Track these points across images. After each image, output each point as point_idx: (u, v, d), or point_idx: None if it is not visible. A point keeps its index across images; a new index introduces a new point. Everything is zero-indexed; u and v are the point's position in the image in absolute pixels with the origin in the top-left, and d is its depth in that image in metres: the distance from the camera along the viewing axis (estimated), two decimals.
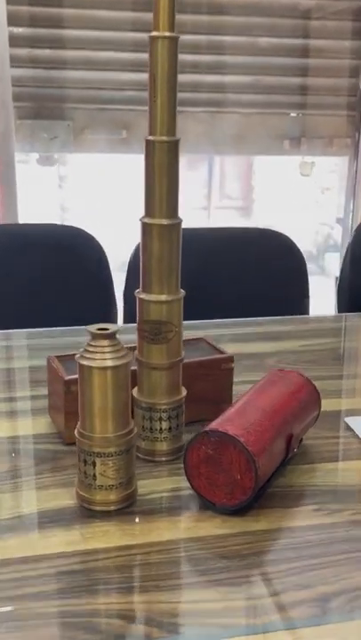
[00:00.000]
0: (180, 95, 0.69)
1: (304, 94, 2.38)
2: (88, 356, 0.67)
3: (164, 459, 0.79)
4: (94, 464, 0.68)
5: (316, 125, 2.44)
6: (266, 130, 2.42)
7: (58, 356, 0.88)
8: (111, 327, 0.68)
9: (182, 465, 0.74)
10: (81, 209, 3.12)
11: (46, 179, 2.94)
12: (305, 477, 0.76)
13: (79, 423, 0.69)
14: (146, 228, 0.73)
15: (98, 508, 0.69)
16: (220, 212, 3.91)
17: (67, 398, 0.82)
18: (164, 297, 0.75)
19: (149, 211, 0.73)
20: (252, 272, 1.63)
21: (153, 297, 0.75)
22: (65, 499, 0.72)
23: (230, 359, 0.89)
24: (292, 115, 2.44)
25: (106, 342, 0.67)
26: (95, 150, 2.32)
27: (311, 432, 0.83)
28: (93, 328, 0.68)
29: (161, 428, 0.78)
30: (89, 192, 2.99)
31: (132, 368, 0.77)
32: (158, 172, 0.71)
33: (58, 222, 2.32)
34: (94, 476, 0.69)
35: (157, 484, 0.75)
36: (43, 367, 0.90)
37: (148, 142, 0.71)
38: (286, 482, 0.75)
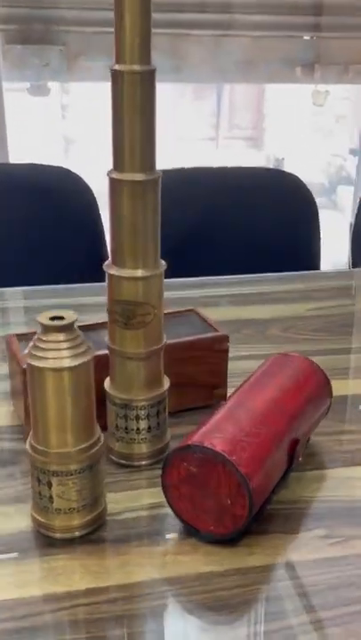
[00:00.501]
0: (181, 16, 0.54)
1: (319, 15, 2.15)
2: (39, 353, 0.53)
3: (143, 462, 0.66)
4: (50, 484, 0.55)
5: (332, 50, 2.22)
6: (276, 55, 2.20)
7: (18, 335, 0.74)
8: (67, 316, 0.53)
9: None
10: (77, 144, 2.93)
11: (39, 110, 2.74)
12: (312, 488, 0.63)
13: (31, 433, 0.56)
14: (114, 186, 0.58)
15: (58, 536, 0.57)
16: (229, 142, 3.69)
17: (25, 389, 0.68)
18: (139, 272, 0.60)
19: (118, 164, 0.57)
20: (258, 219, 1.47)
21: (126, 272, 0.60)
22: (19, 519, 0.59)
23: (225, 338, 0.75)
24: (306, 38, 2.21)
25: (61, 336, 0.53)
26: (91, 79, 2.11)
27: (319, 425, 0.70)
28: (45, 317, 0.53)
29: (138, 429, 0.65)
30: (86, 125, 2.80)
31: (103, 353, 0.64)
32: (129, 112, 0.55)
33: (54, 158, 2.14)
34: (51, 498, 0.56)
35: (133, 498, 0.62)
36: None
37: (114, 73, 0.55)
38: (289, 495, 0.62)
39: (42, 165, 1.55)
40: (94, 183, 1.46)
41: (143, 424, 0.65)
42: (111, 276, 0.61)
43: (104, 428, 0.65)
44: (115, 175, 0.57)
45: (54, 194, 1.48)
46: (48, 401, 0.53)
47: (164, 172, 0.58)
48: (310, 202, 1.52)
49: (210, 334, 0.75)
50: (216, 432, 0.55)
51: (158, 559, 0.55)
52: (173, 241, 0.77)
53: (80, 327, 0.75)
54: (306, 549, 0.56)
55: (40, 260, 1.44)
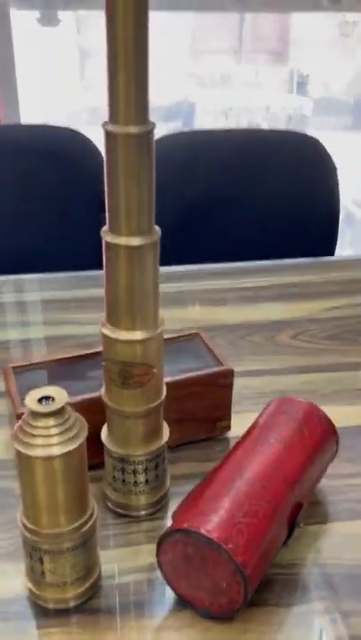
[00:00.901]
0: None
1: None
2: (27, 439, 0.50)
3: (141, 513, 0.65)
4: (41, 561, 0.54)
5: None
6: None
7: (15, 367, 0.71)
8: (58, 397, 0.50)
9: (163, 522, 0.60)
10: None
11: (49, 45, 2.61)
12: (313, 548, 0.62)
13: (21, 508, 0.54)
14: (110, 249, 0.53)
15: (50, 606, 0.56)
16: (253, 56, 3.51)
17: None
18: (137, 335, 0.56)
19: (113, 227, 0.52)
20: (273, 188, 1.40)
21: (122, 335, 0.56)
22: (13, 579, 0.58)
23: (229, 373, 0.71)
24: None
25: (51, 421, 0.50)
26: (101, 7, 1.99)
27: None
28: (33, 400, 0.50)
29: (136, 482, 0.63)
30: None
31: (96, 395, 0.61)
32: (124, 176, 0.50)
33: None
34: (43, 573, 0.55)
35: (130, 557, 0.61)
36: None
37: (108, 134, 0.49)
38: (288, 556, 0.60)
39: (50, 127, 1.48)
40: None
41: (141, 477, 0.63)
42: (105, 335, 0.57)
43: (100, 465, 0.64)
44: (109, 238, 0.53)
45: (62, 157, 1.41)
46: (38, 486, 0.51)
47: (166, 136, 0.54)
48: (331, 169, 1.44)
49: (213, 369, 0.71)
50: (212, 513, 0.53)
51: (152, 633, 0.54)
52: (172, 214, 0.71)
53: (79, 357, 0.73)
54: (302, 627, 0.55)
55: (46, 224, 1.39)
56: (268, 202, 1.41)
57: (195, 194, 1.37)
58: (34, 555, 0.54)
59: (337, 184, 1.45)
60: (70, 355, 0.73)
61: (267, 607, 0.56)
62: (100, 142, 1.38)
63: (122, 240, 0.52)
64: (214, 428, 0.74)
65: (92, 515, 0.54)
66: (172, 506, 0.66)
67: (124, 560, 0.61)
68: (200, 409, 0.72)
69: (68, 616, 0.56)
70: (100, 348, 0.70)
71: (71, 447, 0.50)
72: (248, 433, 0.63)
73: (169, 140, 1.41)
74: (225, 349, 0.89)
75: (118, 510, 0.65)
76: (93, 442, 0.58)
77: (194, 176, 1.37)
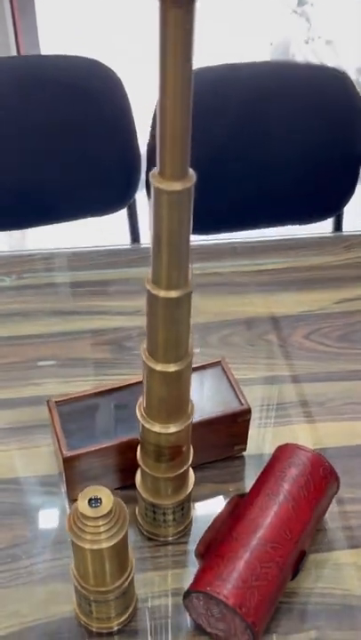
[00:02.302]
0: None
1: None
2: (78, 532, 0.60)
3: (169, 539, 0.77)
4: (90, 605, 0.67)
5: None
6: None
7: (59, 402, 0.80)
8: (105, 499, 0.60)
9: (187, 546, 0.73)
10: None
11: None
12: (312, 579, 0.74)
13: (74, 566, 0.66)
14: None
15: (96, 630, 0.70)
16: None
17: (67, 474, 0.76)
18: (172, 429, 0.64)
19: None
20: (289, 134, 1.38)
21: (157, 428, 0.64)
22: (63, 602, 0.72)
23: (247, 412, 0.80)
24: None
25: (100, 521, 0.60)
26: None
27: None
28: (83, 502, 0.60)
29: (165, 520, 0.74)
30: None
31: (134, 437, 0.71)
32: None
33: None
34: (90, 611, 0.68)
35: (159, 582, 0.74)
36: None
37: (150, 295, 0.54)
38: (290, 584, 0.73)
39: (69, 57, 1.44)
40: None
41: (169, 517, 0.74)
42: (143, 425, 0.65)
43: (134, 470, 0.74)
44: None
45: (82, 88, 1.39)
46: (87, 564, 0.62)
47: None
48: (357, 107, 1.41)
49: (232, 409, 0.80)
50: (229, 578, 0.65)
51: None
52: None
53: (118, 388, 0.81)
54: None
55: (66, 158, 1.40)
56: (289, 141, 1.40)
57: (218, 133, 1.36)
58: (83, 600, 0.67)
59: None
60: (105, 388, 0.81)
61: (269, 635, 0.70)
62: (121, 73, 1.36)
63: (158, 367, 0.59)
64: (232, 449, 0.84)
65: (130, 571, 0.66)
66: (195, 529, 0.78)
67: (156, 584, 0.74)
68: (221, 439, 0.82)
69: (110, 638, 0.69)
70: (136, 378, 0.79)
71: (116, 540, 0.60)
72: (260, 484, 0.73)
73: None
74: (240, 350, 0.97)
75: (150, 536, 0.77)
76: (131, 469, 0.69)
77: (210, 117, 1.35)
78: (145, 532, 0.77)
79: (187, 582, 0.73)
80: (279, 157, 1.41)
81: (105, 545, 0.60)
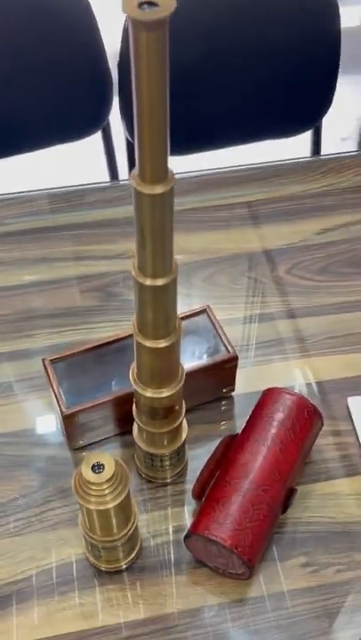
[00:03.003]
0: None
1: None
2: (84, 495, 0.65)
3: (167, 480, 0.82)
4: (99, 551, 0.73)
5: None
6: None
7: (54, 360, 0.83)
8: (107, 464, 0.64)
9: (184, 485, 0.79)
10: None
11: None
12: (299, 509, 0.81)
13: (81, 519, 0.71)
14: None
15: (105, 570, 0.76)
16: None
17: (68, 429, 0.81)
18: (164, 393, 0.68)
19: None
20: (263, 45, 1.34)
21: (149, 393, 0.68)
22: (74, 545, 0.78)
23: (234, 359, 0.84)
24: None
25: (104, 485, 0.65)
26: None
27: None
28: (87, 468, 0.64)
29: (162, 465, 0.80)
30: None
31: (130, 391, 0.75)
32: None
33: None
34: (100, 555, 0.74)
35: (160, 521, 0.80)
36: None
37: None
38: (280, 517, 0.80)
39: None
40: None
41: (166, 463, 0.79)
42: (136, 390, 0.69)
43: (131, 419, 0.78)
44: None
45: (47, 8, 1.33)
46: (94, 521, 0.68)
47: None
48: (334, 19, 1.37)
49: (220, 357, 0.84)
50: (225, 521, 0.71)
51: (183, 589, 0.76)
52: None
53: (104, 345, 0.85)
54: (291, 578, 0.76)
55: (35, 84, 1.36)
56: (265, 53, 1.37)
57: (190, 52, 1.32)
58: (92, 547, 0.73)
59: (339, 31, 1.39)
60: (98, 343, 0.84)
61: (263, 562, 0.77)
62: None
63: (148, 343, 0.62)
64: (221, 391, 0.89)
65: (134, 520, 0.72)
66: (191, 469, 0.83)
67: (157, 523, 0.80)
68: (209, 384, 0.86)
69: (119, 575, 0.76)
70: (126, 332, 0.83)
71: (120, 499, 0.66)
72: (250, 429, 0.78)
73: None
74: (224, 289, 1.00)
75: (149, 479, 0.82)
76: (128, 418, 0.75)
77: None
78: (144, 476, 0.82)
79: (186, 520, 0.80)
80: (253, 69, 1.38)
81: (110, 505, 0.65)
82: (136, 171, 0.49)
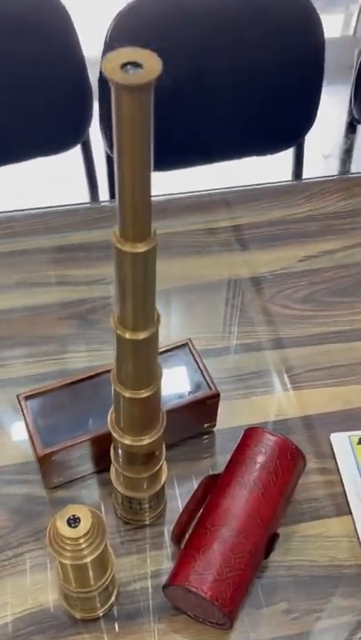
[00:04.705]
0: None
1: None
2: (59, 550, 0.63)
3: (146, 522, 0.80)
4: (74, 600, 0.70)
5: None
6: None
7: (29, 396, 0.80)
8: (84, 517, 0.62)
9: (163, 527, 0.77)
10: None
11: None
12: (281, 552, 0.78)
13: (56, 570, 0.69)
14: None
15: (81, 618, 0.74)
16: None
17: (42, 468, 0.78)
18: (145, 440, 0.66)
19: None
20: (247, 62, 1.32)
21: (128, 440, 0.66)
22: (50, 590, 0.75)
23: (216, 396, 0.82)
24: None
25: (81, 539, 0.62)
26: None
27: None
28: (62, 522, 0.61)
29: (141, 508, 0.77)
30: None
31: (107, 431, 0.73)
32: None
33: None
34: (75, 604, 0.71)
35: (138, 564, 0.78)
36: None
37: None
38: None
39: None
40: None
41: (145, 506, 0.77)
42: (114, 436, 0.67)
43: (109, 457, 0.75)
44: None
45: (29, 22, 1.29)
46: (69, 574, 0.65)
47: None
48: (318, 35, 1.35)
49: (201, 395, 0.81)
50: (206, 573, 0.69)
51: (160, 635, 0.73)
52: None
53: (87, 378, 0.82)
54: (273, 624, 0.74)
55: (15, 97, 1.33)
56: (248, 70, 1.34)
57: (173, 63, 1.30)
58: (68, 596, 0.70)
59: (323, 47, 1.37)
60: (75, 379, 0.82)
61: (245, 610, 0.75)
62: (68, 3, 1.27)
63: (127, 394, 0.59)
64: (202, 427, 0.86)
65: (111, 570, 0.70)
66: (170, 510, 0.81)
67: (135, 567, 0.78)
68: (190, 420, 0.84)
69: (95, 623, 0.74)
70: (105, 367, 0.80)
71: (96, 553, 0.63)
72: (231, 471, 0.76)
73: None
74: (205, 317, 0.98)
75: (127, 520, 0.80)
76: (106, 457, 0.73)
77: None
78: (121, 517, 0.80)
79: (165, 564, 0.77)
80: (237, 86, 1.36)
81: (86, 560, 0.63)
82: (117, 229, 0.46)
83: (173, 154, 1.43)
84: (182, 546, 0.74)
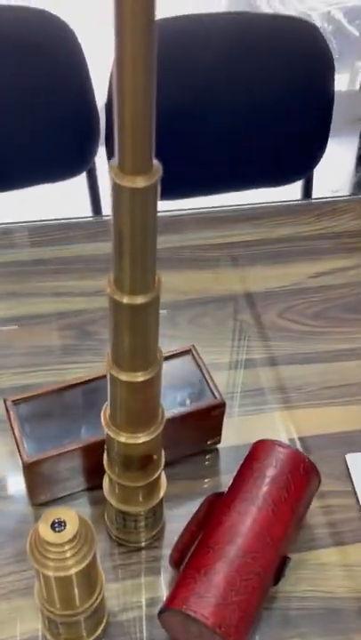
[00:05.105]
0: None
1: None
2: (42, 559, 0.55)
3: (142, 544, 0.72)
4: (57, 627, 0.62)
5: None
6: None
7: (16, 401, 0.74)
8: (69, 520, 0.54)
9: (160, 551, 0.68)
10: None
11: None
12: (292, 581, 0.70)
13: (37, 586, 0.60)
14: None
15: None
16: None
17: (29, 480, 0.71)
18: (141, 439, 0.58)
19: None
20: (256, 91, 1.30)
21: (124, 438, 0.59)
22: (29, 619, 0.67)
23: (221, 405, 0.75)
24: None
25: (66, 546, 0.54)
26: None
27: None
28: (45, 527, 0.54)
29: (136, 527, 0.69)
30: None
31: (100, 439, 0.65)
32: None
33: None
34: (59, 633, 0.63)
35: (131, 591, 0.69)
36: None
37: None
38: (271, 589, 0.69)
39: (16, 7, 1.32)
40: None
41: (141, 524, 0.69)
42: (108, 435, 0.59)
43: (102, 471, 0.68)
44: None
45: (34, 44, 1.28)
46: (53, 590, 0.57)
47: None
48: (327, 58, 1.33)
49: (205, 403, 0.74)
50: (208, 595, 0.60)
51: None
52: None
53: (80, 383, 0.75)
54: None
55: (19, 121, 1.30)
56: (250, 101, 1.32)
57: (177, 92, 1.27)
58: (50, 622, 0.62)
59: (333, 76, 1.35)
60: (66, 384, 0.75)
61: None
62: (73, 24, 1.25)
63: (123, 376, 0.53)
64: (205, 444, 0.79)
65: (100, 589, 0.61)
66: (168, 531, 0.73)
67: (127, 594, 0.69)
68: (193, 434, 0.76)
69: None
70: (100, 372, 0.74)
71: (83, 564, 0.55)
72: (238, 486, 0.68)
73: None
74: (211, 332, 0.91)
75: (120, 542, 0.72)
76: (99, 470, 0.65)
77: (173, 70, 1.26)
78: (115, 538, 0.72)
79: (161, 591, 0.69)
80: (245, 117, 1.33)
81: (72, 571, 0.55)
82: (115, 161, 0.41)
83: (176, 186, 1.39)
84: (181, 569, 0.65)
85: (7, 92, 1.26)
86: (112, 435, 0.59)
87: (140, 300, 0.46)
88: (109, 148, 1.32)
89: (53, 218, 1.08)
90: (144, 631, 0.66)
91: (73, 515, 0.55)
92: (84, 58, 1.28)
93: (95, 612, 0.61)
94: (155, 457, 0.62)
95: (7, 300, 0.95)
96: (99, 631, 0.64)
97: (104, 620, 0.65)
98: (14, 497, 0.76)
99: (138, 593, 0.69)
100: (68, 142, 1.35)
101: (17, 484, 0.76)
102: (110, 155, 1.33)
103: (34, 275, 0.98)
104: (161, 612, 0.62)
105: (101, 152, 1.34)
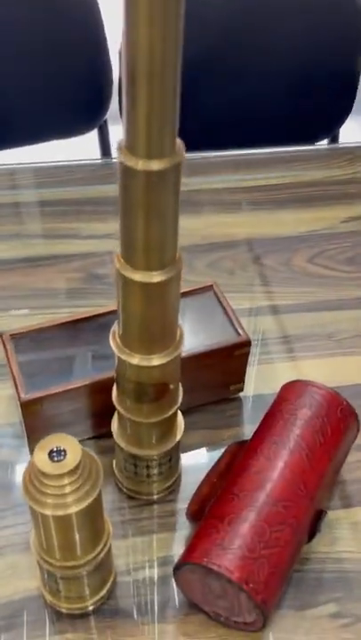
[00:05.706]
0: None
1: None
2: (40, 497, 0.46)
3: (154, 497, 0.63)
4: (57, 582, 0.53)
5: None
6: None
7: (15, 335, 0.65)
8: (71, 449, 0.46)
9: (176, 505, 0.60)
10: None
11: None
12: (326, 541, 0.61)
13: (33, 534, 0.52)
14: (123, 282, 0.45)
15: (66, 612, 0.56)
16: None
17: (27, 422, 0.62)
18: (155, 360, 0.50)
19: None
20: (283, 49, 1.21)
21: (136, 360, 0.50)
22: (25, 577, 0.58)
23: (246, 344, 0.66)
24: None
25: (65, 480, 0.46)
26: None
27: None
28: (42, 457, 0.45)
29: (149, 474, 0.61)
30: None
31: (107, 376, 0.57)
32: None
33: None
34: (58, 590, 0.54)
35: (143, 549, 0.60)
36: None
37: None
38: (303, 549, 0.60)
39: None
40: None
41: (154, 471, 0.60)
42: (119, 357, 0.51)
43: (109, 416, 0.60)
44: (127, 273, 0.44)
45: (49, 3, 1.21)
46: (51, 534, 0.48)
47: None
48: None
49: (228, 341, 0.66)
50: (233, 546, 0.51)
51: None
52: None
53: (83, 319, 0.67)
54: (317, 634, 0.56)
55: (31, 76, 1.23)
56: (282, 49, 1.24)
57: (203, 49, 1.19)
58: (49, 577, 0.53)
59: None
60: (72, 318, 0.67)
61: (281, 611, 0.57)
62: None
63: (137, 276, 0.44)
64: (228, 390, 0.70)
65: (106, 539, 0.53)
66: (185, 484, 0.64)
67: (138, 552, 0.60)
68: (214, 377, 0.68)
69: (83, 619, 0.56)
70: (107, 308, 0.66)
71: (86, 502, 0.46)
72: (265, 429, 0.60)
73: None
74: (234, 279, 0.83)
75: (131, 494, 0.63)
76: (107, 413, 0.57)
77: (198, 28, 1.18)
78: (124, 490, 0.63)
79: (176, 549, 0.60)
80: (272, 74, 1.25)
81: (72, 509, 0.46)
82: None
83: (198, 143, 1.31)
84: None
85: (20, 46, 1.19)
86: (122, 356, 0.50)
87: (155, 165, 0.38)
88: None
89: (60, 160, 1.00)
90: (155, 593, 0.58)
91: (75, 443, 0.46)
92: (100, 16, 1.21)
93: (100, 566, 0.53)
94: (171, 386, 0.53)
95: (11, 240, 0.87)
96: (103, 591, 0.56)
97: (110, 579, 0.57)
98: (12, 445, 0.67)
99: (149, 551, 0.60)
100: (80, 96, 1.28)
101: (15, 431, 0.68)
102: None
103: (39, 216, 0.90)
104: (177, 568, 0.53)
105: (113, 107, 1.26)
